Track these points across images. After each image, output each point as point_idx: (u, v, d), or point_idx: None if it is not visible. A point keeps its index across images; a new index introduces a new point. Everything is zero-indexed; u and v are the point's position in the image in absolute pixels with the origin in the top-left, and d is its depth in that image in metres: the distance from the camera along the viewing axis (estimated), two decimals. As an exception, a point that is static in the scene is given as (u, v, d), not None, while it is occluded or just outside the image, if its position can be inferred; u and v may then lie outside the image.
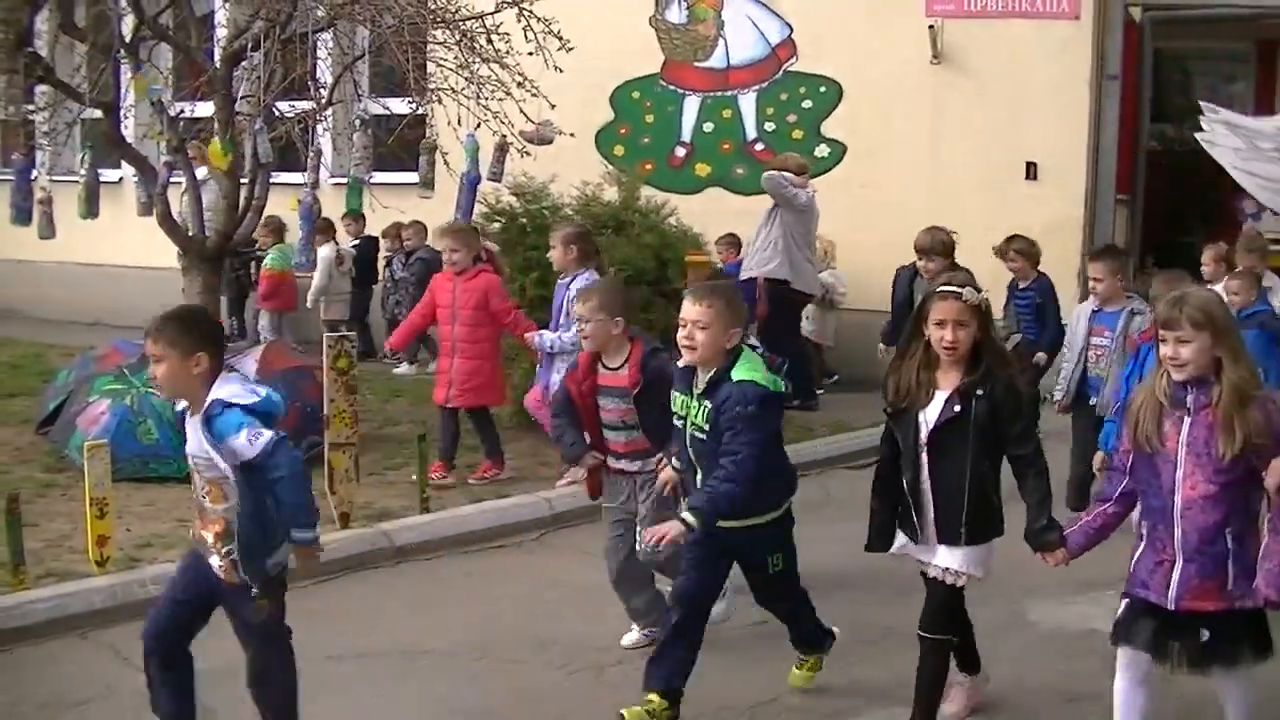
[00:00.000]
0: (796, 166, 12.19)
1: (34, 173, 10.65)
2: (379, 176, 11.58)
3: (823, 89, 13.89)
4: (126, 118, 11.58)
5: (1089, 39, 12.81)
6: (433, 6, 10.36)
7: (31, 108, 11.26)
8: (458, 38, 10.43)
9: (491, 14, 10.48)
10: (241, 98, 10.57)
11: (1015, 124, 12.77)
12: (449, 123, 10.64)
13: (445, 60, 10.67)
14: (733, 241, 13.24)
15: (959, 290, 5.12)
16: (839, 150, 13.78)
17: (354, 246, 15.12)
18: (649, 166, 13.83)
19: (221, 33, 11.93)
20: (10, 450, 10.06)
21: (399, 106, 11.62)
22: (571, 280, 8.96)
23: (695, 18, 14.50)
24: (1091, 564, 7.88)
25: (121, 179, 15.70)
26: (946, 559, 5.23)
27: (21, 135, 11.05)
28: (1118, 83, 12.83)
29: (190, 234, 10.69)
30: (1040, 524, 5.06)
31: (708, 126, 14.48)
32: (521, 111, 10.64)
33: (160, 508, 8.56)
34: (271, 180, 10.78)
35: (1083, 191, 12.82)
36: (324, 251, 14.09)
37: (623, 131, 14.65)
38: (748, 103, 14.30)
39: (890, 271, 10.75)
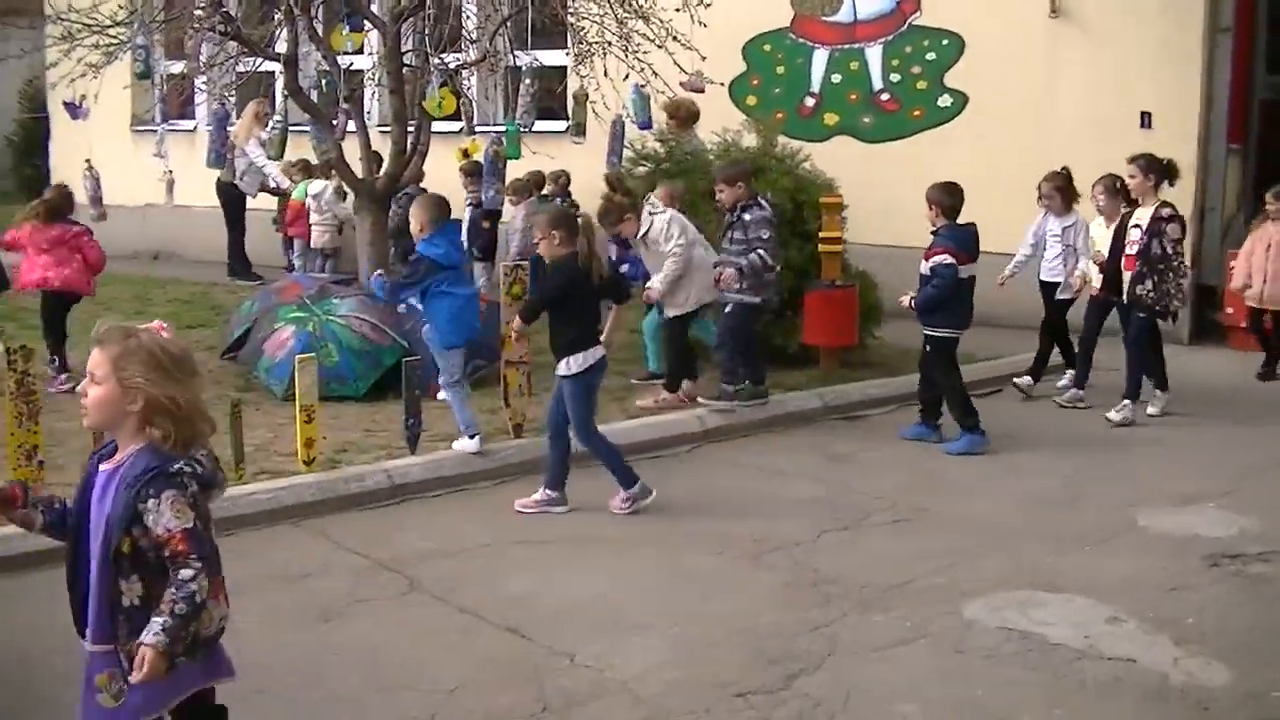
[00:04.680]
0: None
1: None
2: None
3: (945, 42, 14.39)
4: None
5: (1202, -8, 13.16)
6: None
7: (222, 59, 12.21)
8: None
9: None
10: (407, 52, 11.48)
11: (1128, 77, 13.17)
12: (593, 74, 11.49)
13: (594, 16, 11.51)
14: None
15: None
16: (961, 101, 14.29)
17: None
18: (780, 115, 14.39)
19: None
20: (203, 371, 11.03)
21: (549, 59, 12.48)
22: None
23: (824, -27, 15.04)
24: (1196, 479, 8.68)
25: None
26: None
27: (218, 87, 12.01)
28: (1230, 35, 13.14)
29: (361, 177, 11.65)
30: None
31: (836, 78, 15.03)
32: (675, 63, 11.39)
33: (346, 421, 9.49)
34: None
35: (1194, 141, 13.15)
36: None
37: (755, 82, 15.28)
38: (874, 55, 14.82)
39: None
